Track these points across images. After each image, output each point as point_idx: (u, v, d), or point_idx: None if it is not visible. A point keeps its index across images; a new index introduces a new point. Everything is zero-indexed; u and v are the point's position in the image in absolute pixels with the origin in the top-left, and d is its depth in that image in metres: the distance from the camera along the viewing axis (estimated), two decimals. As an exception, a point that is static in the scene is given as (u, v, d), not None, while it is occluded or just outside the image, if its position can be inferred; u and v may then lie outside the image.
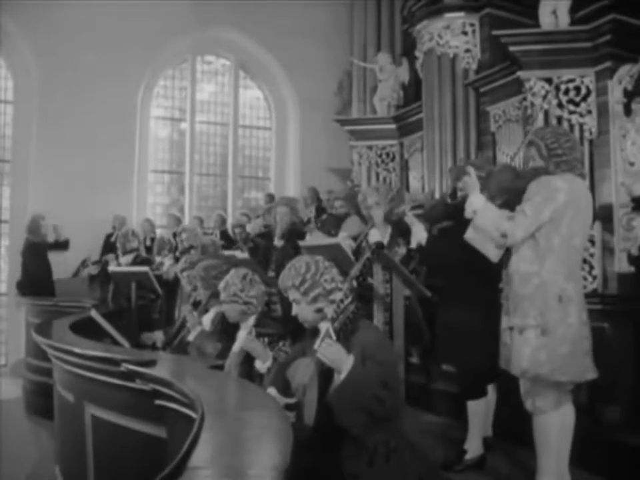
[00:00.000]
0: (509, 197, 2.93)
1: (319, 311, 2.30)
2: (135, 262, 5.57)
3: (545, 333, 2.59)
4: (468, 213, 2.79)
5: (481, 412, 3.34)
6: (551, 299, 2.60)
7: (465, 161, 3.07)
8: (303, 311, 2.33)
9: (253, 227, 6.16)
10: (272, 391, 2.21)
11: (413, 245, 3.43)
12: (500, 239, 2.69)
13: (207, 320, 3.57)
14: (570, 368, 2.60)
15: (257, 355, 2.69)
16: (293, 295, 2.34)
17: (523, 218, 2.63)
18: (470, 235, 2.78)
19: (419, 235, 3.35)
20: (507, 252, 2.79)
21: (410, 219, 3.42)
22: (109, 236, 7.26)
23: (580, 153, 2.85)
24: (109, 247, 7.02)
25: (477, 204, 2.75)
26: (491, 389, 3.43)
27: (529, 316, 2.63)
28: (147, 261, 5.71)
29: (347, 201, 5.33)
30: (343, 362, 2.03)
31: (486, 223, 2.71)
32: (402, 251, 3.77)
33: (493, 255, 2.79)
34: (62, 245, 7.10)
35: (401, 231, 3.80)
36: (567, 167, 2.69)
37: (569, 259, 2.66)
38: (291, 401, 2.14)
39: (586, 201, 2.74)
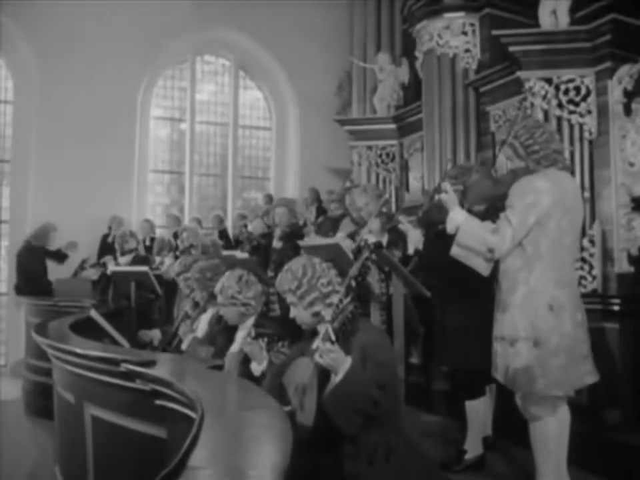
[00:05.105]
0: (490, 204, 2.89)
1: (316, 314, 2.30)
2: (134, 262, 5.56)
3: (538, 345, 2.50)
4: (450, 230, 2.72)
5: (479, 412, 3.34)
6: (541, 308, 2.51)
7: (442, 174, 3.02)
8: (299, 314, 2.33)
9: (254, 227, 6.16)
10: None
11: (410, 251, 3.40)
12: (487, 254, 2.61)
13: (204, 321, 3.57)
14: (566, 379, 2.51)
15: (253, 356, 2.66)
16: (289, 298, 2.35)
17: (508, 228, 2.53)
18: (455, 252, 2.70)
19: (415, 240, 3.33)
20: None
21: (404, 225, 3.39)
22: (105, 236, 7.24)
23: (558, 143, 2.74)
24: (105, 247, 7.00)
25: (458, 220, 2.67)
26: (489, 388, 3.44)
27: (519, 327, 2.54)
28: (146, 260, 5.70)
29: (341, 202, 5.31)
30: (340, 364, 2.02)
31: (469, 239, 2.63)
32: (397, 254, 3.76)
33: (483, 268, 2.71)
34: (60, 257, 6.87)
35: (396, 238, 3.78)
36: (547, 162, 2.58)
37: (560, 262, 2.56)
38: (286, 409, 2.14)
39: (573, 195, 2.63)
